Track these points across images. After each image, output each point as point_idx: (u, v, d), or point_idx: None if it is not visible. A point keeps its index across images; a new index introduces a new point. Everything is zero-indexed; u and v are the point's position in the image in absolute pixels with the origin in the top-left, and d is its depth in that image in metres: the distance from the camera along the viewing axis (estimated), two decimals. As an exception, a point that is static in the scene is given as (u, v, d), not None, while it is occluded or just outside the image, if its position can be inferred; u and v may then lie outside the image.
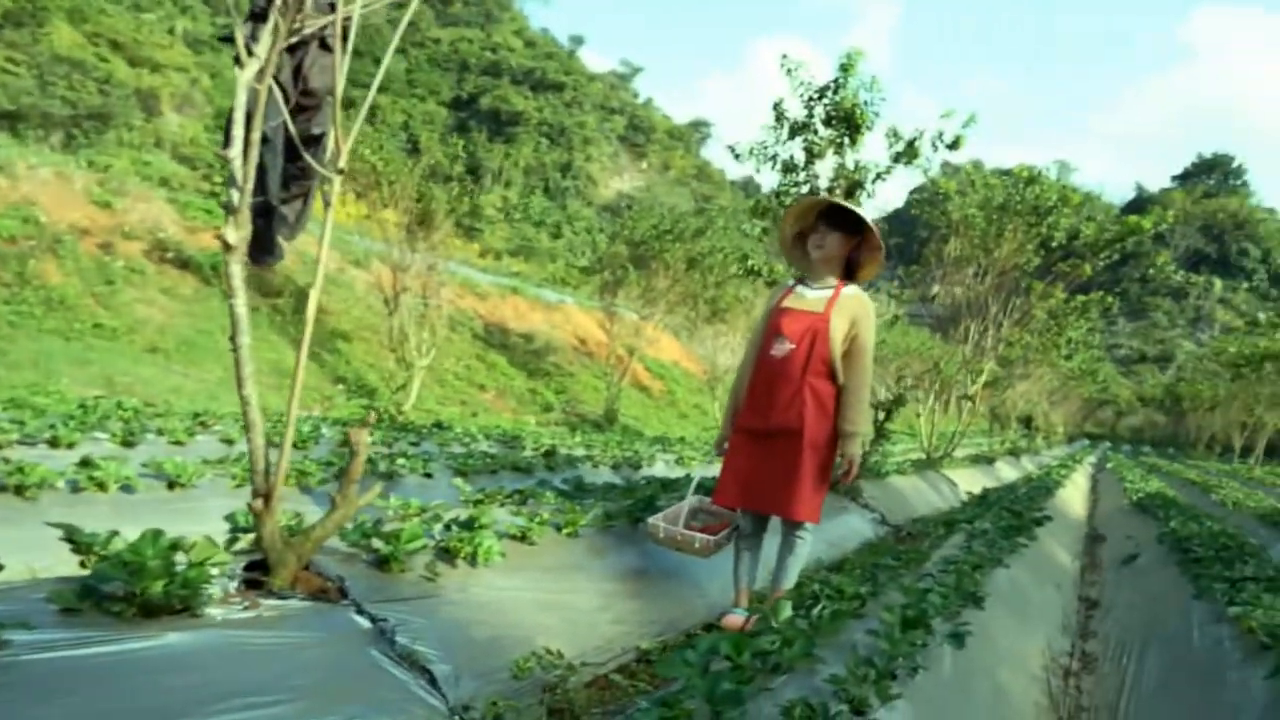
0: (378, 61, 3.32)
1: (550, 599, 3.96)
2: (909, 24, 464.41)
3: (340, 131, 3.17)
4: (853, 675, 2.55)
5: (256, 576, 3.21)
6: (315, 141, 3.67)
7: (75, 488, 4.84)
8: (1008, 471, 20.23)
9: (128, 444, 6.56)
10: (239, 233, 3.08)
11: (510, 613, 3.69)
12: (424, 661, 3.02)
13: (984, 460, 20.39)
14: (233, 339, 3.19)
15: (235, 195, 3.05)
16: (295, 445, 7.92)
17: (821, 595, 3.70)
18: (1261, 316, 33.21)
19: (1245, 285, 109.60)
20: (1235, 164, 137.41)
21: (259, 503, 3.23)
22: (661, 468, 11.48)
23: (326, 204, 3.28)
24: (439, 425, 13.24)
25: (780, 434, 4.14)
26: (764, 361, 4.27)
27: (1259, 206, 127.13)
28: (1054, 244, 15.40)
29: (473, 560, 3.83)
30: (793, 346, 4.15)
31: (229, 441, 7.39)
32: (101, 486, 4.91)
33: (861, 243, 4.36)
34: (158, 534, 2.97)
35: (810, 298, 4.28)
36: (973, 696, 3.26)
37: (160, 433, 7.20)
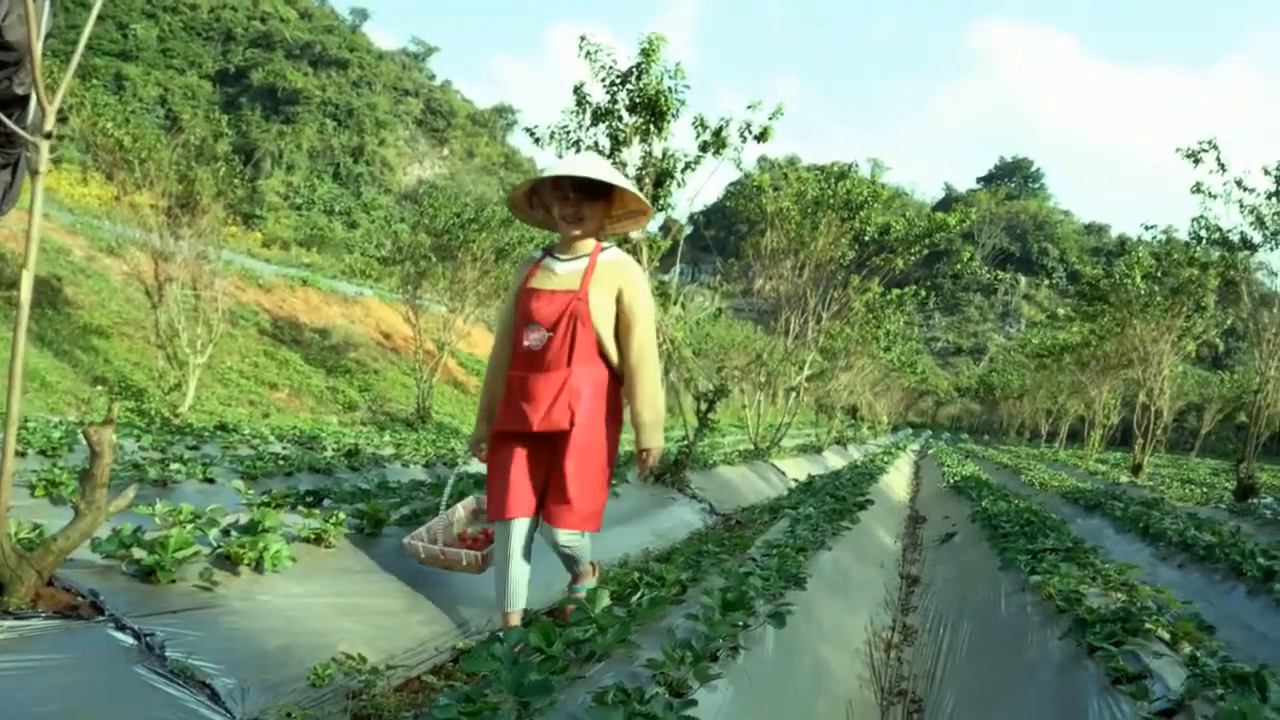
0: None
1: (353, 603, 3.83)
2: (710, 23, 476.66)
3: (44, 90, 2.92)
4: (670, 658, 2.56)
5: (-15, 598, 2.94)
6: (20, 103, 3.36)
7: None
8: (835, 460, 21.09)
9: None
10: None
11: (306, 619, 3.55)
12: (203, 676, 2.85)
13: (812, 450, 21.19)
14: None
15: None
16: (44, 452, 7.38)
17: (641, 583, 3.72)
18: (1060, 312, 36.28)
19: (1047, 283, 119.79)
20: (1034, 167, 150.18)
21: (-25, 519, 2.96)
22: (479, 464, 11.32)
23: (34, 173, 3.01)
24: (223, 427, 12.64)
25: (547, 436, 3.73)
26: (519, 354, 3.79)
27: (1055, 208, 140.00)
28: (866, 238, 16.28)
29: (258, 566, 3.65)
30: (549, 334, 3.69)
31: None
32: None
33: (613, 205, 3.98)
34: None
35: (562, 272, 3.82)
36: (796, 673, 3.35)
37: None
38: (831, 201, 15.82)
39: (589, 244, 3.87)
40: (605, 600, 3.21)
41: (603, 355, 3.79)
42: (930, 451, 28.07)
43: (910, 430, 65.17)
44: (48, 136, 2.94)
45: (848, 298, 17.91)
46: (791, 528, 6.07)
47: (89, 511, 3.09)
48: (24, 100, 3.35)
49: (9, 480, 3.02)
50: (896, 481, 15.27)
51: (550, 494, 3.75)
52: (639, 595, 3.43)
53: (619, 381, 3.89)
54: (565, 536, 3.79)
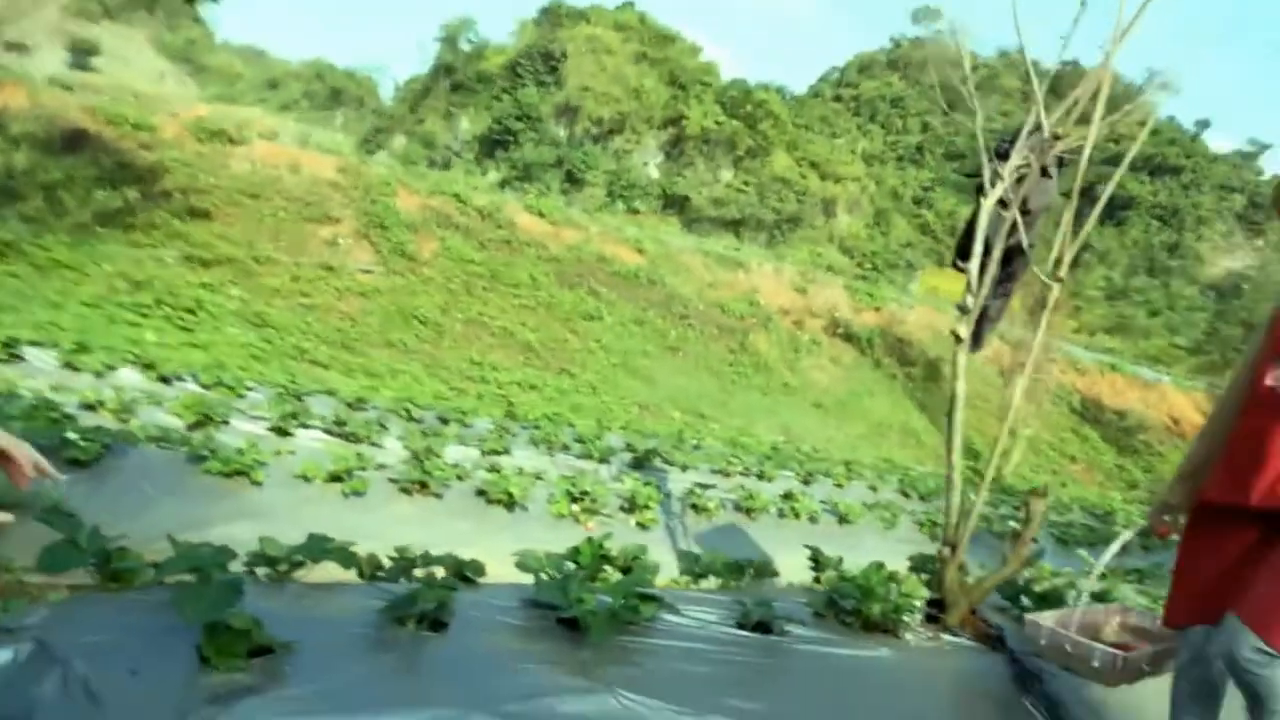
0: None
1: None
2: None
3: (1064, 244, 3.52)
4: None
5: (934, 613, 3.64)
6: (1023, 251, 3.98)
7: (780, 514, 5.81)
8: None
9: (806, 482, 7.56)
10: (968, 329, 3.60)
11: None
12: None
13: None
14: (949, 414, 3.72)
15: (969, 300, 3.56)
16: (922, 497, 8.39)
17: None
18: None
19: None
20: None
21: (946, 550, 3.65)
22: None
23: (1043, 306, 3.63)
24: (1033, 492, 12.81)
25: (1270, 517, 2.14)
26: (1256, 397, 2.26)
27: None
28: None
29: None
30: None
31: (873, 489, 8.10)
32: (795, 515, 5.84)
33: None
34: (880, 566, 3.55)
35: None
36: None
37: (826, 475, 8.15)
38: None
39: None
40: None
41: None
42: None
43: None
44: (1059, 280, 3.57)
45: None
46: None
47: (1013, 563, 3.60)
48: (1022, 251, 4.02)
49: (968, 534, 3.71)
50: None
51: (1253, 588, 2.10)
52: None
53: None
54: (1251, 648, 1.99)
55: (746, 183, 39.70)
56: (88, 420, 4.68)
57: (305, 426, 5.70)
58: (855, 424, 15.42)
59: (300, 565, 2.58)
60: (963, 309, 3.58)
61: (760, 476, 7.19)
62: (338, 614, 2.39)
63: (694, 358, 15.28)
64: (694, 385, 14.09)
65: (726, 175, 41.01)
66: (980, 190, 3.70)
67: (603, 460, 6.70)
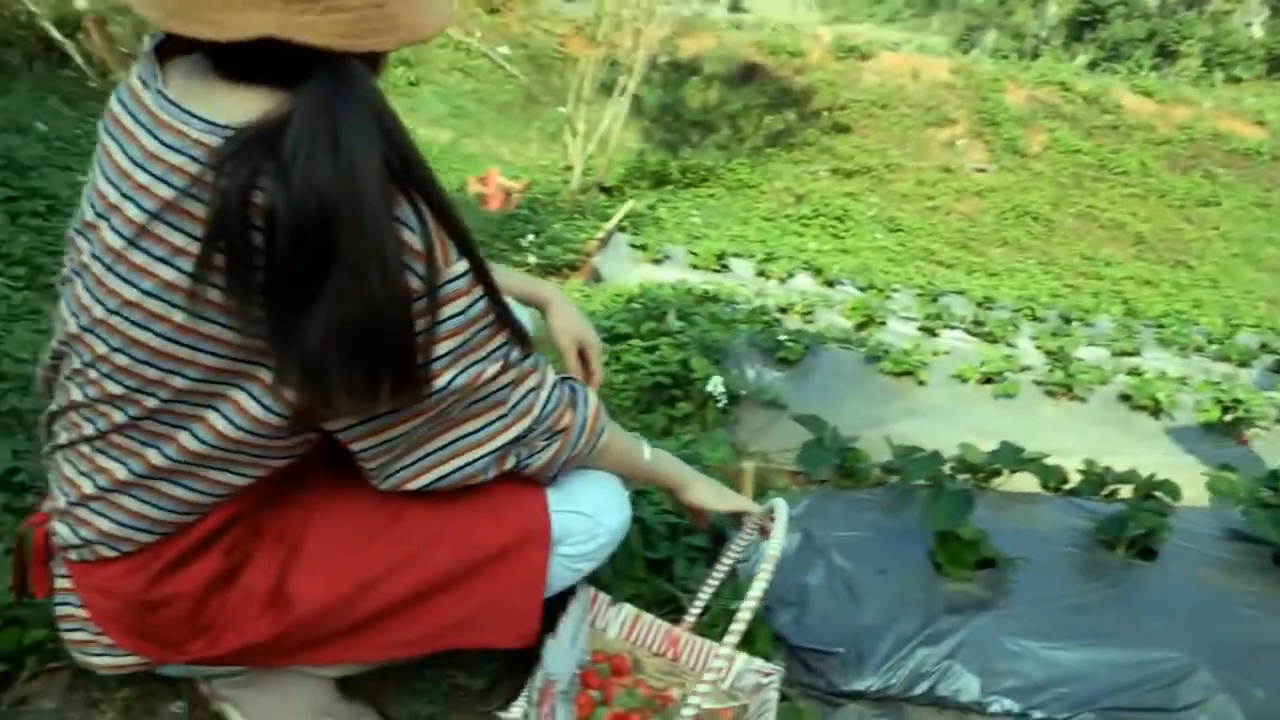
0: None
1: None
2: None
3: None
4: None
5: None
6: None
7: None
8: None
9: None
10: None
11: None
12: None
13: None
14: None
15: None
16: None
17: None
18: None
19: None
20: None
21: None
22: None
23: None
24: None
25: None
26: None
27: None
28: None
29: None
30: None
31: None
32: None
33: None
34: None
35: None
36: None
37: None
38: None
39: None
40: None
41: None
42: None
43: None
44: None
45: None
46: None
47: None
48: None
49: None
50: None
51: None
52: None
53: None
54: None
55: None
56: (783, 321, 5.16)
57: (949, 327, 5.59)
58: None
59: (997, 474, 2.52)
60: None
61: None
62: (1039, 528, 2.30)
63: (1326, 243, 11.15)
64: (1328, 275, 10.34)
65: (1344, 23, 28.57)
66: None
67: (1242, 364, 5.33)
